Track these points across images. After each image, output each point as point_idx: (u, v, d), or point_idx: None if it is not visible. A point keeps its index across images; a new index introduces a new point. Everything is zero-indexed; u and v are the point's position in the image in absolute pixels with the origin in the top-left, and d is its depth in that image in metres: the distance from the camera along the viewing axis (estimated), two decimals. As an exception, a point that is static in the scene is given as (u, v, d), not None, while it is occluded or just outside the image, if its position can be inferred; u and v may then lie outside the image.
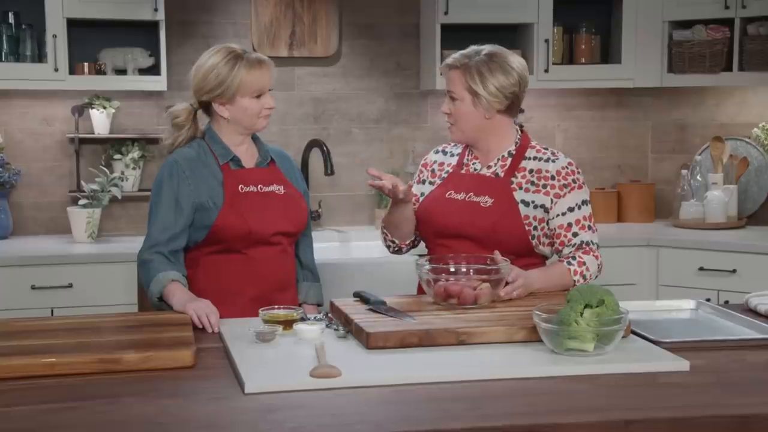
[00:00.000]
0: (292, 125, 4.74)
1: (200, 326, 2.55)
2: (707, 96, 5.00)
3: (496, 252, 2.69)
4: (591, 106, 5.06)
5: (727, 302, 4.11)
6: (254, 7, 4.62)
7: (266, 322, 2.45)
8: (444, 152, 3.10)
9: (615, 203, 4.93)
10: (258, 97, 2.93)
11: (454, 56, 2.93)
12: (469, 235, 2.88)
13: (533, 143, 3.02)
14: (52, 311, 3.95)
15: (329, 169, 4.37)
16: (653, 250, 4.44)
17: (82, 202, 4.32)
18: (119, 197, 4.34)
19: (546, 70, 4.61)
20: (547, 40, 4.59)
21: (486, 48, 2.94)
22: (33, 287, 3.95)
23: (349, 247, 4.58)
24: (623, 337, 2.33)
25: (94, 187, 4.31)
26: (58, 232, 4.49)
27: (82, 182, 4.39)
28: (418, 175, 3.11)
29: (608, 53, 4.87)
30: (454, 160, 3.04)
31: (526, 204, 2.90)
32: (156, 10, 4.23)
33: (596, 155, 5.09)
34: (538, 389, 2.07)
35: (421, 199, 3.02)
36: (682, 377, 2.15)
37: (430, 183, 3.04)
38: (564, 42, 4.80)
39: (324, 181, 4.64)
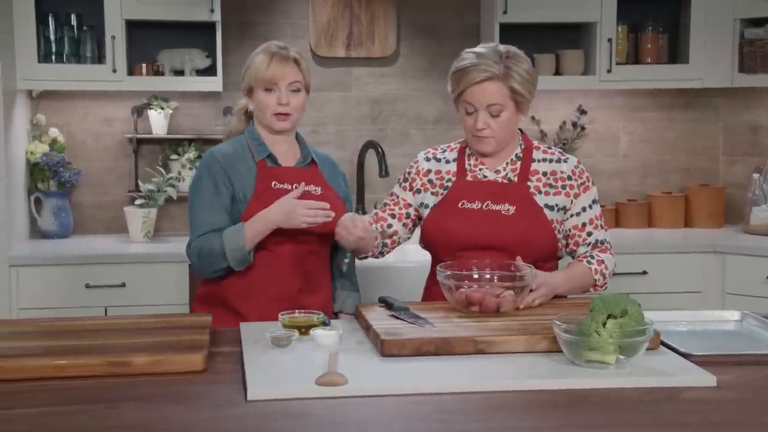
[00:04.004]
0: (350, 126, 4.71)
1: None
2: (782, 96, 4.82)
3: (518, 258, 2.61)
4: (658, 107, 4.91)
5: (795, 312, 3.96)
6: (312, 7, 4.60)
7: (286, 326, 2.41)
8: (436, 159, 2.92)
9: (682, 207, 4.78)
10: (269, 90, 2.90)
11: (482, 66, 2.69)
12: (495, 246, 2.74)
13: (535, 143, 2.91)
14: (105, 310, 3.99)
15: (384, 171, 4.32)
16: (720, 256, 4.28)
17: (138, 201, 4.37)
18: (174, 197, 4.37)
19: (609, 70, 4.48)
20: (610, 40, 4.47)
21: (500, 47, 2.76)
22: (87, 286, 4.00)
23: (405, 250, 4.52)
24: (651, 349, 2.23)
25: (151, 187, 4.35)
26: (118, 232, 4.54)
27: (140, 182, 4.43)
28: (409, 183, 2.92)
29: (676, 53, 4.72)
30: (451, 167, 2.88)
31: (551, 208, 2.80)
32: (212, 11, 4.25)
33: (663, 158, 4.94)
34: (551, 402, 1.98)
35: (424, 210, 2.88)
36: (707, 393, 2.03)
37: (433, 194, 2.88)
38: (629, 41, 4.67)
39: (379, 183, 4.59)
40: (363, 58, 4.66)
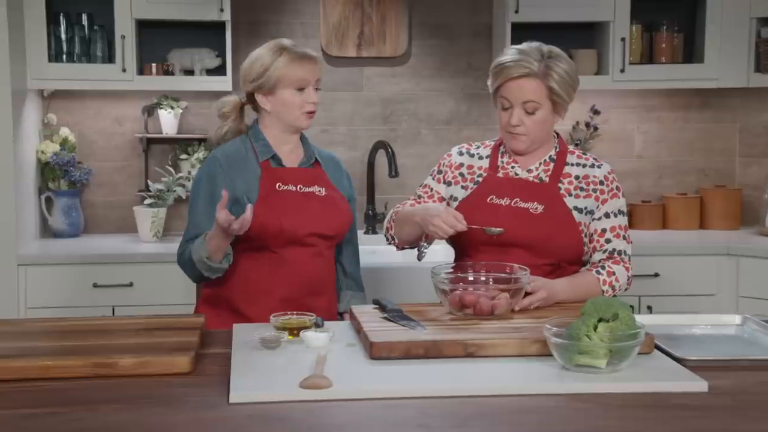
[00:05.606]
0: (360, 126, 4.69)
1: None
2: (800, 97, 4.74)
3: (516, 268, 2.58)
4: (673, 108, 4.85)
5: (809, 316, 3.89)
6: (323, 6, 4.58)
7: (278, 328, 2.38)
8: (470, 154, 2.93)
9: (697, 209, 4.71)
10: (300, 90, 2.88)
11: (522, 63, 2.69)
12: (520, 244, 2.74)
13: (570, 147, 2.89)
14: (113, 310, 3.99)
15: (394, 171, 4.30)
16: (733, 259, 4.22)
17: (147, 201, 4.36)
18: (184, 197, 4.36)
19: (622, 70, 4.43)
20: (623, 39, 4.41)
21: (543, 47, 2.76)
22: (95, 285, 3.99)
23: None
24: (645, 353, 2.19)
25: (160, 186, 4.35)
26: (128, 231, 4.54)
27: (149, 182, 4.43)
28: (442, 176, 2.93)
29: (691, 52, 4.66)
30: (484, 163, 2.88)
31: (580, 211, 2.79)
32: (222, 10, 4.23)
33: (678, 158, 4.88)
34: (537, 407, 1.94)
35: (453, 203, 2.88)
36: (698, 399, 1.99)
37: (463, 187, 2.87)
38: (643, 40, 4.61)
39: (390, 183, 4.56)
40: (374, 57, 4.63)
